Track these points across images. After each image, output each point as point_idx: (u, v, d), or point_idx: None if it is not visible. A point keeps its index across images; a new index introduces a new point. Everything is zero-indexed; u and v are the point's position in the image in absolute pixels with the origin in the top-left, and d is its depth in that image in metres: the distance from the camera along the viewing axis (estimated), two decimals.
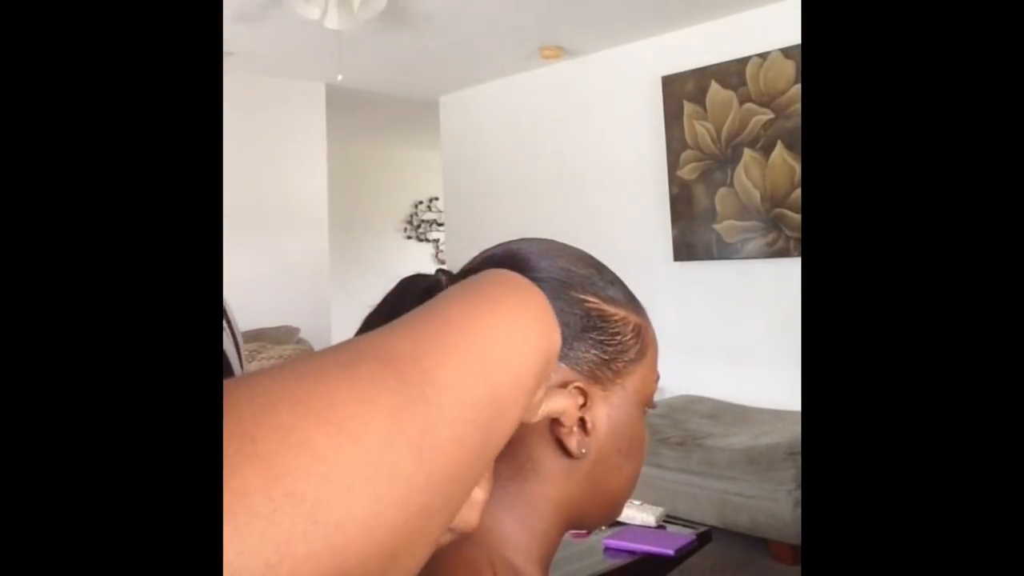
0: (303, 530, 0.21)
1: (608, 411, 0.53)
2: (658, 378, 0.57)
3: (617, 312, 0.54)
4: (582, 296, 0.53)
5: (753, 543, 3.07)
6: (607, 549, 2.01)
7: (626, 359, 0.53)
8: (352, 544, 0.22)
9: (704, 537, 2.13)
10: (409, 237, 8.09)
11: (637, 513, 2.15)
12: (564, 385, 0.51)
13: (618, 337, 0.53)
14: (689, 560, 2.07)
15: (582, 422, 0.51)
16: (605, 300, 0.54)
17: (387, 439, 0.23)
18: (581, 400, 0.51)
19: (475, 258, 0.57)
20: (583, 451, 0.51)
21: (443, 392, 0.26)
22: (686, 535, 2.08)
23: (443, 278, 0.52)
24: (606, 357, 0.52)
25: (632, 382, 0.54)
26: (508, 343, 0.32)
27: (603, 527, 2.03)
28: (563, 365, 0.51)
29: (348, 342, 0.28)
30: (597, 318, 0.53)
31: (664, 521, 2.19)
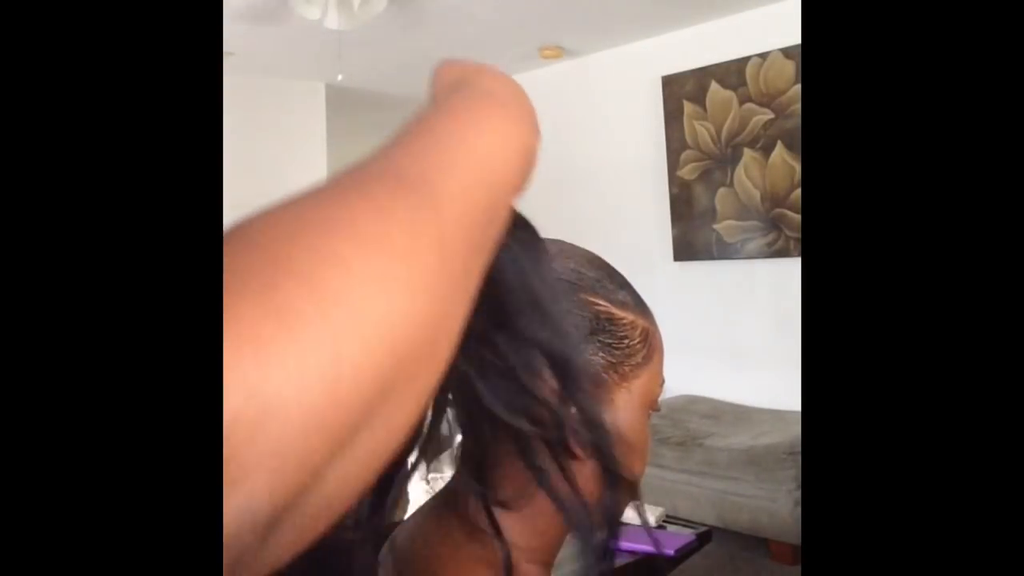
0: (354, 330, 0.22)
1: (613, 414, 0.53)
2: (663, 382, 0.57)
3: (626, 316, 0.54)
4: (592, 299, 0.53)
5: (753, 543, 3.07)
6: None
7: (633, 363, 0.54)
8: (400, 336, 0.24)
9: (704, 537, 2.13)
10: None
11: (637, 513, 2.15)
12: None
13: (626, 341, 0.53)
14: (689, 560, 2.07)
15: None
16: (615, 303, 0.53)
17: (410, 246, 0.26)
18: None
19: None
20: None
21: (451, 202, 0.29)
22: (686, 535, 2.08)
23: None
24: (613, 360, 0.52)
25: (638, 386, 0.54)
26: (501, 152, 0.35)
27: None
28: None
29: (356, 167, 0.30)
30: (606, 321, 0.53)
31: (664, 521, 2.19)
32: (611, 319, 0.53)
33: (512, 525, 0.52)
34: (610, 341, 0.52)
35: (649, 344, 0.55)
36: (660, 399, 0.57)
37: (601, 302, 0.53)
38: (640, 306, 0.56)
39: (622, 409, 0.53)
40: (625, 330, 0.53)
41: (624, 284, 0.56)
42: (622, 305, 0.54)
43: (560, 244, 0.56)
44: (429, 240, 0.27)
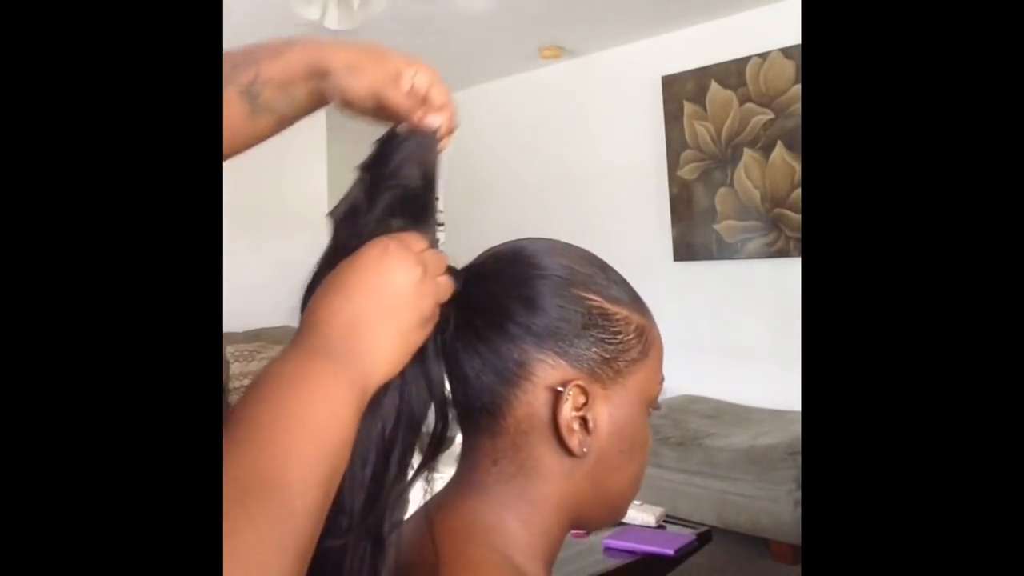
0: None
1: (610, 410, 0.53)
2: (662, 380, 0.57)
3: (620, 311, 0.54)
4: (584, 294, 0.53)
5: (753, 543, 3.07)
6: (607, 549, 2.01)
7: (628, 358, 0.53)
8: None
9: (704, 537, 2.13)
10: None
11: (637, 513, 2.15)
12: (564, 384, 0.51)
13: (620, 336, 0.53)
14: (689, 560, 2.07)
15: (583, 421, 0.51)
16: (607, 299, 0.54)
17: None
18: (582, 399, 0.51)
19: (481, 255, 0.57)
20: (584, 450, 0.51)
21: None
22: (686, 535, 2.08)
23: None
24: (607, 355, 0.52)
25: (635, 382, 0.54)
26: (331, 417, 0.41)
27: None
28: (563, 363, 0.51)
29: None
30: (599, 316, 0.53)
31: (664, 521, 2.19)
32: (604, 314, 0.53)
33: (512, 524, 0.52)
34: (604, 336, 0.53)
35: (645, 340, 0.55)
36: (660, 398, 0.57)
37: (593, 297, 0.53)
38: (635, 302, 0.56)
39: (619, 405, 0.53)
40: (619, 325, 0.53)
41: (618, 280, 0.56)
42: (615, 300, 0.54)
43: (553, 242, 0.57)
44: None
